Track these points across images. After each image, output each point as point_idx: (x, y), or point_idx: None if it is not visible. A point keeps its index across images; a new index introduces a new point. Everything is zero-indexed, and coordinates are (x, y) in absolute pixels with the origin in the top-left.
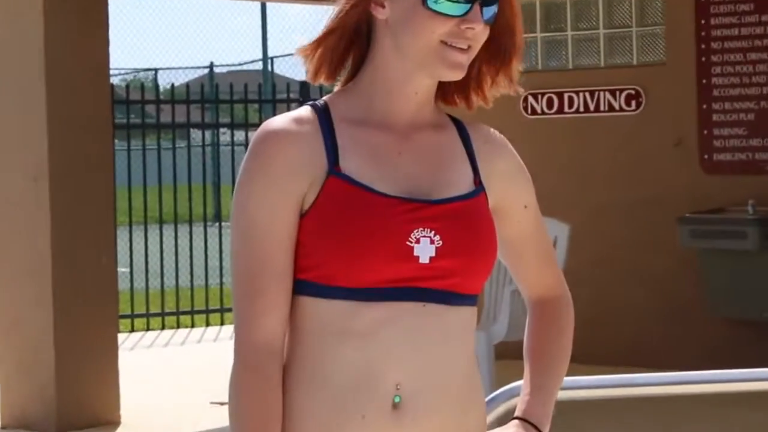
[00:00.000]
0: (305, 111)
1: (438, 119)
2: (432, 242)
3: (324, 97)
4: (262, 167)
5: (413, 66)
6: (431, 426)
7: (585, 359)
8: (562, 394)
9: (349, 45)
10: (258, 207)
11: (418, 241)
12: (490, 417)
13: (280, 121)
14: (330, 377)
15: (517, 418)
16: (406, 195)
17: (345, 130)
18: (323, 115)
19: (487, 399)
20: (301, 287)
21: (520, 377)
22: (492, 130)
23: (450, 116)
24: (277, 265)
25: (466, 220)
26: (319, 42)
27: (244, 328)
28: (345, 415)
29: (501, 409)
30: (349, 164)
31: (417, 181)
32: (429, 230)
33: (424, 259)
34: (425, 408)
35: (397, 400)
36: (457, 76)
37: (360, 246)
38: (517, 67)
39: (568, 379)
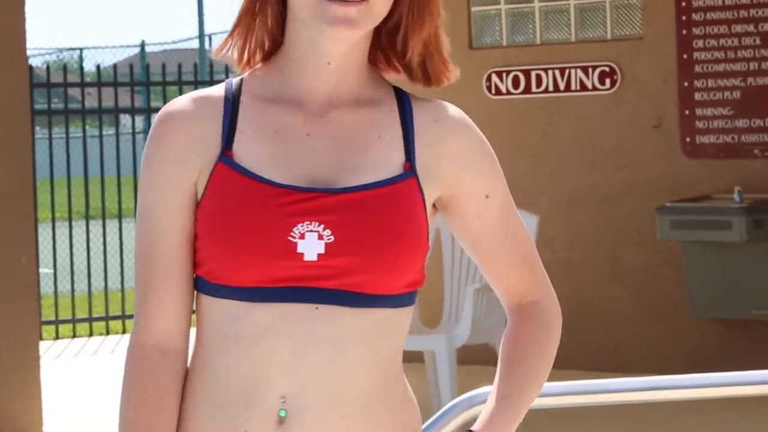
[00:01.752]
0: (216, 89)
1: (371, 94)
2: (320, 237)
3: (244, 74)
4: (155, 152)
5: (308, 30)
6: None
7: (557, 363)
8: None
9: (265, 20)
10: (149, 195)
11: (302, 236)
12: (450, 427)
13: (181, 101)
14: (218, 386)
15: (470, 431)
16: (302, 184)
17: (250, 111)
18: (232, 93)
19: (447, 407)
20: (197, 284)
21: (483, 383)
22: (451, 108)
23: (398, 91)
24: (167, 259)
25: (373, 210)
26: (235, 26)
27: (135, 328)
28: (227, 427)
29: (461, 419)
30: (242, 149)
31: (320, 168)
32: (317, 224)
33: (311, 257)
34: (315, 424)
35: (282, 414)
36: (344, 34)
37: (239, 241)
38: (442, 31)
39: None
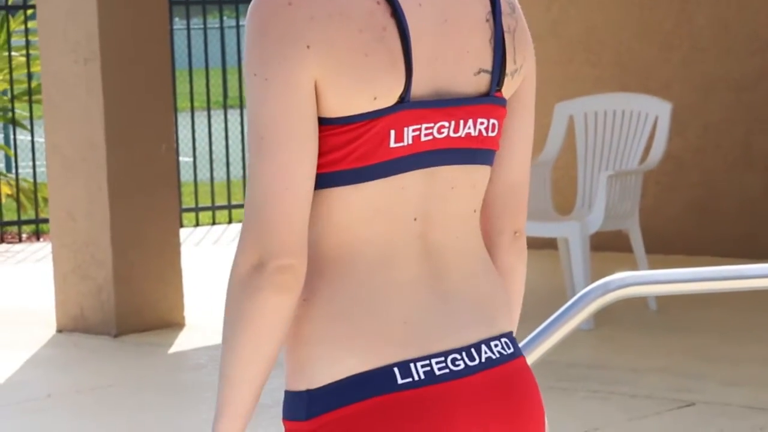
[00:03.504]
0: None
1: None
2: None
3: None
4: None
5: None
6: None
7: (692, 250)
8: (667, 288)
9: None
10: None
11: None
12: (585, 313)
13: None
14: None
15: None
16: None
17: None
18: None
19: (582, 293)
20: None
21: (617, 269)
22: None
23: None
24: None
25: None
26: None
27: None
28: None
29: (596, 304)
30: None
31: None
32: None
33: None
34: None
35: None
36: None
37: None
38: None
39: (674, 272)
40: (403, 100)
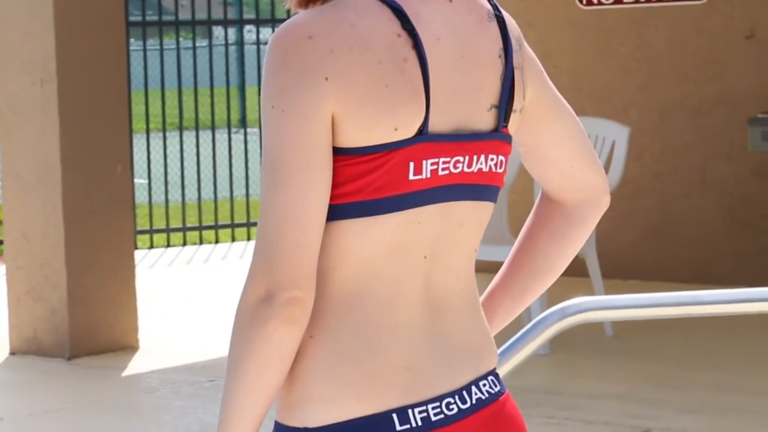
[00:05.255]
0: None
1: None
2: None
3: None
4: None
5: None
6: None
7: (649, 275)
8: (624, 313)
9: None
10: None
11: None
12: (541, 339)
13: None
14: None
15: None
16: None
17: None
18: None
19: (538, 318)
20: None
21: (573, 295)
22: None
23: None
24: None
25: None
26: None
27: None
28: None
29: (552, 330)
30: None
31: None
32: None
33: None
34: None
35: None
36: None
37: None
38: None
39: (631, 297)
40: (422, 133)
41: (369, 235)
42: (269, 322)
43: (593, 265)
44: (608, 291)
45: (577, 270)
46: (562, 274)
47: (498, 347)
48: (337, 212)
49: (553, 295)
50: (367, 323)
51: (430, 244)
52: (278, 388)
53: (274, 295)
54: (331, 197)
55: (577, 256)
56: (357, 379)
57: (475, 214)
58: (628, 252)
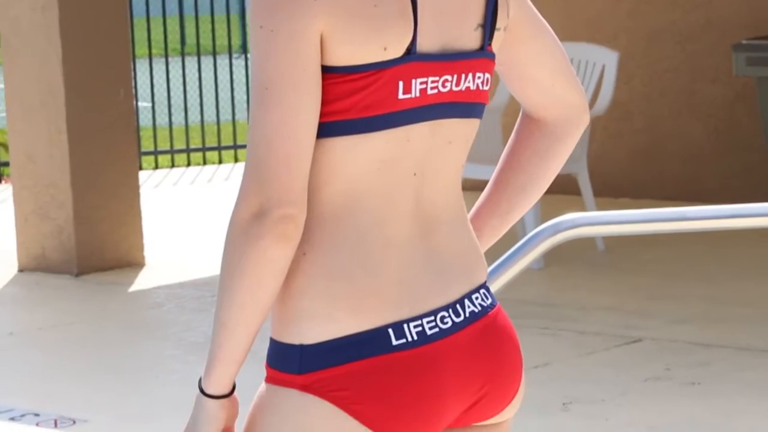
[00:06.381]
0: None
1: None
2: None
3: None
4: None
5: None
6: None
7: (638, 193)
8: (616, 229)
9: None
10: None
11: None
12: (534, 254)
13: None
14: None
15: None
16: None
17: None
18: None
19: (532, 233)
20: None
21: (566, 212)
22: None
23: None
24: None
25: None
26: None
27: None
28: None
29: (547, 244)
30: None
31: None
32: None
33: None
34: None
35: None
36: None
37: None
38: None
39: (622, 213)
40: (410, 52)
41: (358, 153)
42: (262, 239)
43: (585, 184)
44: (599, 208)
45: (569, 188)
46: (555, 192)
47: (493, 261)
48: (326, 130)
49: (546, 212)
50: (358, 239)
51: (419, 161)
52: (271, 306)
53: (267, 212)
54: (321, 115)
55: (569, 175)
56: (350, 295)
57: (463, 131)
58: (618, 171)
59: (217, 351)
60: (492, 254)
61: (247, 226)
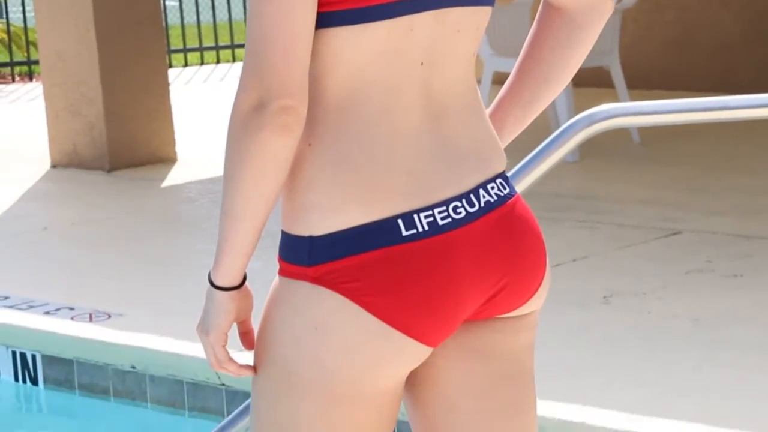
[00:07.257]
0: None
1: None
2: None
3: None
4: None
5: None
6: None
7: (671, 85)
8: (656, 119)
9: None
10: None
11: None
12: (570, 144)
13: None
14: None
15: None
16: None
17: None
18: None
19: (567, 124)
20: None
21: (599, 104)
22: None
23: None
24: None
25: None
26: None
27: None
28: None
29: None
30: None
31: None
32: None
33: None
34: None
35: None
36: None
37: None
38: None
39: (658, 103)
40: None
41: (359, 42)
42: (262, 131)
43: (618, 76)
44: (632, 100)
45: (602, 81)
46: (587, 85)
47: (526, 154)
48: (325, 20)
49: (579, 105)
50: (364, 130)
51: (425, 51)
52: (275, 197)
53: (266, 103)
54: (319, 5)
55: (601, 68)
56: (358, 185)
57: (473, 18)
58: (650, 63)
59: (224, 243)
60: (525, 147)
61: (246, 119)
